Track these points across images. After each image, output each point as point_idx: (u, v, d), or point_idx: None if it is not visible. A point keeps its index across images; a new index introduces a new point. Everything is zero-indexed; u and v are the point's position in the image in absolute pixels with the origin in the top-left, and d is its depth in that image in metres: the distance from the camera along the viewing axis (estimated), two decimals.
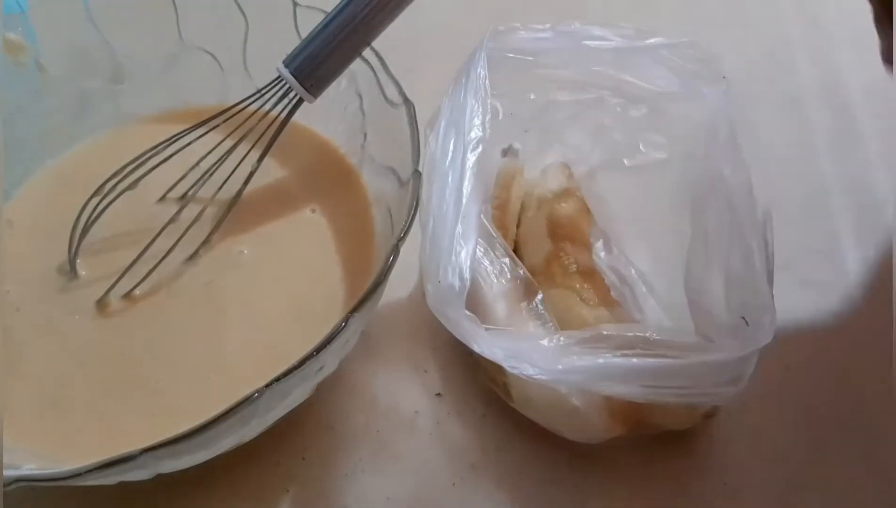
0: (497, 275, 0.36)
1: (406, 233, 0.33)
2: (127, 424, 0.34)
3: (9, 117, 0.40)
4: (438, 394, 0.39)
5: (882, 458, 0.37)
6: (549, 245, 0.39)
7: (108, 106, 0.45)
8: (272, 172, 0.42)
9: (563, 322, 0.36)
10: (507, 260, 0.37)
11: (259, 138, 0.38)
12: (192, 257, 0.39)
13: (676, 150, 0.41)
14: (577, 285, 0.37)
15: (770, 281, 0.32)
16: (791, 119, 0.50)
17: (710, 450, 0.37)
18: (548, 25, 0.38)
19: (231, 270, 0.39)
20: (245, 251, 0.40)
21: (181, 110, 0.45)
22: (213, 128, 0.40)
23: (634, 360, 0.30)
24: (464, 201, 0.33)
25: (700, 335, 0.32)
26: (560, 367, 0.30)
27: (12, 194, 0.42)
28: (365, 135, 0.42)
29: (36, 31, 0.42)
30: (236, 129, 0.39)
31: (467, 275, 0.32)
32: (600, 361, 0.30)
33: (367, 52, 0.38)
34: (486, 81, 0.36)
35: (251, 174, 0.39)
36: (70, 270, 0.39)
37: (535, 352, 0.30)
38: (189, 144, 0.39)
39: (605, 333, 0.31)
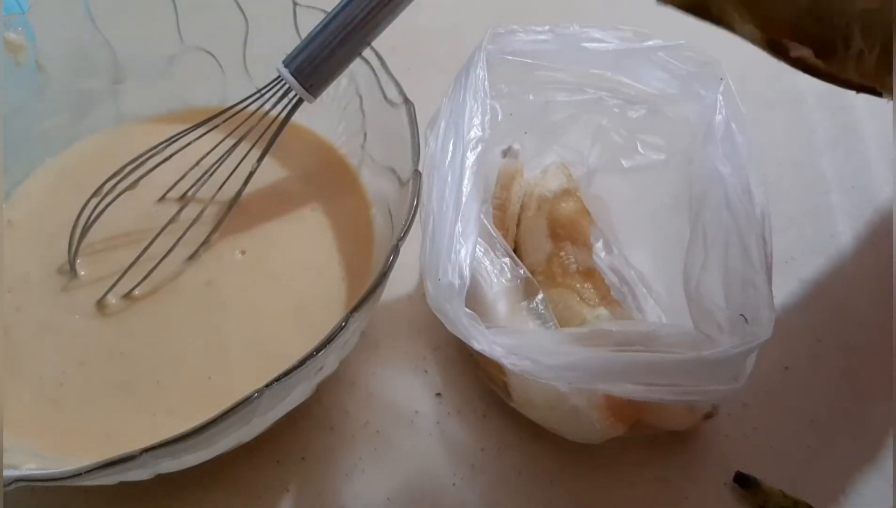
0: (497, 275, 0.36)
1: (406, 233, 0.33)
2: (127, 423, 0.34)
3: (9, 117, 0.40)
4: (438, 394, 0.39)
5: (882, 458, 0.37)
6: (549, 245, 0.39)
7: (108, 106, 0.45)
8: (272, 172, 0.42)
9: (564, 322, 0.36)
10: (507, 260, 0.37)
11: (259, 138, 0.38)
12: (192, 256, 0.39)
13: (674, 150, 0.41)
14: (577, 285, 0.38)
15: (769, 278, 0.32)
16: (791, 119, 0.50)
17: (710, 451, 0.37)
18: (546, 27, 0.38)
19: (231, 270, 0.39)
20: (245, 251, 0.40)
21: (181, 110, 0.45)
22: (213, 128, 0.40)
23: (634, 356, 0.30)
24: (464, 200, 0.33)
25: (700, 332, 0.32)
26: (560, 364, 0.30)
27: (12, 194, 0.42)
28: (365, 135, 0.42)
29: (36, 31, 0.42)
30: (236, 129, 0.39)
31: (467, 273, 0.32)
32: (600, 357, 0.30)
33: (367, 52, 0.38)
34: (486, 83, 0.36)
35: (251, 174, 0.39)
36: (70, 270, 0.39)
37: (535, 349, 0.31)
38: (189, 144, 0.39)
39: (605, 329, 0.31)
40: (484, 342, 0.31)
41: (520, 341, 0.31)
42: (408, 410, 0.39)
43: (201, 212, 0.39)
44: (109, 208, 0.39)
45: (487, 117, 0.35)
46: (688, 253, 0.36)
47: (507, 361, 0.31)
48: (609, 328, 0.32)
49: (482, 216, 0.35)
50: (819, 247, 0.44)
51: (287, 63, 0.37)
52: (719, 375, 0.31)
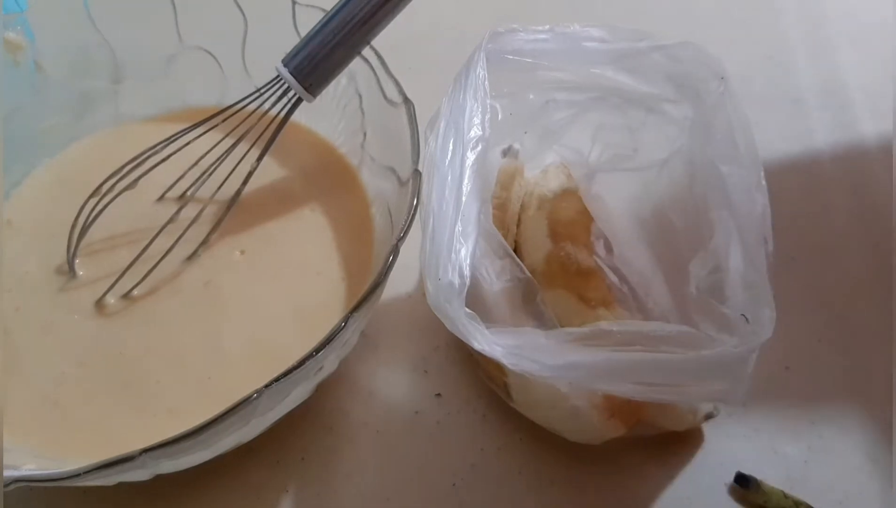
0: (497, 275, 0.36)
1: (406, 233, 0.33)
2: (127, 424, 0.34)
3: (8, 117, 0.40)
4: (438, 394, 0.39)
5: (882, 458, 0.37)
6: (549, 245, 0.39)
7: (108, 106, 0.45)
8: (272, 171, 0.42)
9: (564, 322, 0.36)
10: (507, 260, 0.37)
11: (258, 138, 0.38)
12: (192, 256, 0.39)
13: (674, 150, 0.41)
14: (577, 285, 0.37)
15: (769, 278, 0.32)
16: (791, 119, 0.50)
17: (710, 451, 0.37)
18: (546, 27, 0.38)
19: (230, 270, 0.39)
20: (244, 251, 0.40)
21: (181, 110, 0.45)
22: (213, 127, 0.40)
23: (634, 356, 0.30)
24: (464, 200, 0.33)
25: (700, 332, 0.32)
26: (560, 363, 0.30)
27: (12, 194, 0.42)
28: (364, 134, 0.42)
29: (35, 31, 0.42)
30: (235, 128, 0.39)
31: (467, 273, 0.32)
32: (600, 357, 0.30)
33: (366, 52, 0.38)
34: (486, 82, 0.36)
35: (250, 174, 0.39)
36: (69, 270, 0.39)
37: (535, 349, 0.30)
38: (188, 143, 0.39)
39: (605, 329, 0.31)
40: (484, 342, 0.31)
41: (520, 341, 0.31)
42: (408, 410, 0.39)
43: (200, 212, 0.39)
44: (108, 207, 0.39)
45: (487, 117, 0.35)
46: (688, 253, 0.36)
47: (507, 361, 0.31)
48: (609, 328, 0.31)
49: (482, 216, 0.35)
50: (819, 247, 0.44)
51: (286, 62, 0.37)
52: (719, 375, 0.31)
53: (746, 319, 0.31)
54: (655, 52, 0.39)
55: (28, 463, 0.31)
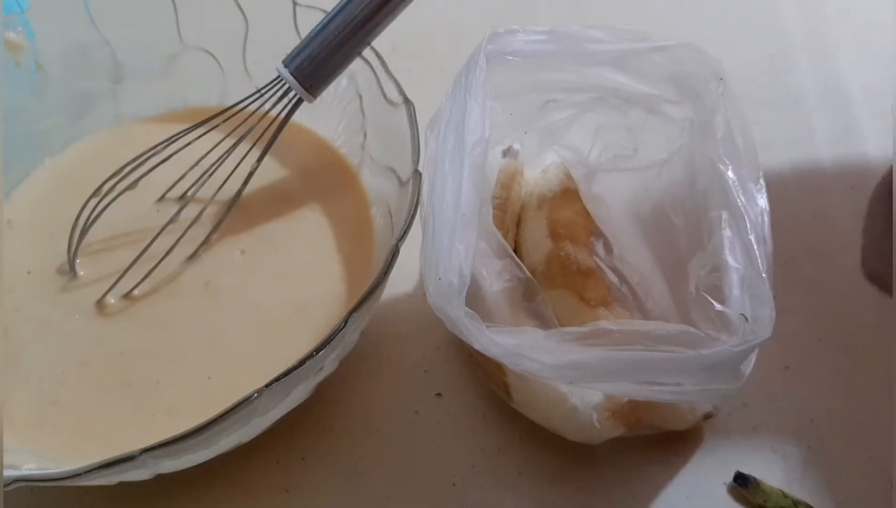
0: (497, 275, 0.36)
1: (406, 233, 0.33)
2: (127, 423, 0.34)
3: (9, 117, 0.40)
4: (438, 394, 0.39)
5: (883, 458, 0.37)
6: (549, 245, 0.39)
7: (108, 106, 0.45)
8: (272, 172, 0.42)
9: (564, 322, 0.36)
10: (507, 260, 0.37)
11: (259, 138, 0.38)
12: (192, 257, 0.39)
13: (674, 150, 0.41)
14: (577, 285, 0.38)
15: (769, 278, 0.32)
16: (791, 119, 0.50)
17: (710, 451, 0.37)
18: (546, 27, 0.38)
19: (231, 270, 0.39)
20: (245, 251, 0.40)
21: (181, 110, 0.45)
22: (213, 128, 0.40)
23: (634, 356, 0.30)
24: (464, 200, 0.33)
25: (700, 332, 0.32)
26: (560, 363, 0.30)
27: (12, 194, 0.42)
28: (365, 135, 0.42)
29: (36, 31, 0.42)
30: (236, 129, 0.39)
31: (467, 273, 0.32)
32: (600, 357, 0.30)
33: (367, 52, 0.38)
34: (486, 83, 0.36)
35: (251, 174, 0.39)
36: (70, 270, 0.39)
37: (536, 348, 0.30)
38: (189, 143, 0.39)
39: (605, 329, 0.31)
40: (484, 341, 0.31)
41: (520, 341, 0.31)
42: (408, 410, 0.39)
43: (201, 212, 0.39)
44: (109, 207, 0.39)
45: (487, 117, 0.35)
46: (688, 253, 0.36)
47: (507, 361, 0.31)
48: (609, 328, 0.31)
49: (482, 216, 0.35)
50: (819, 247, 0.44)
51: (287, 63, 0.37)
52: (719, 375, 0.31)
53: (746, 319, 0.31)
54: (655, 52, 0.39)
55: (28, 463, 0.31)
